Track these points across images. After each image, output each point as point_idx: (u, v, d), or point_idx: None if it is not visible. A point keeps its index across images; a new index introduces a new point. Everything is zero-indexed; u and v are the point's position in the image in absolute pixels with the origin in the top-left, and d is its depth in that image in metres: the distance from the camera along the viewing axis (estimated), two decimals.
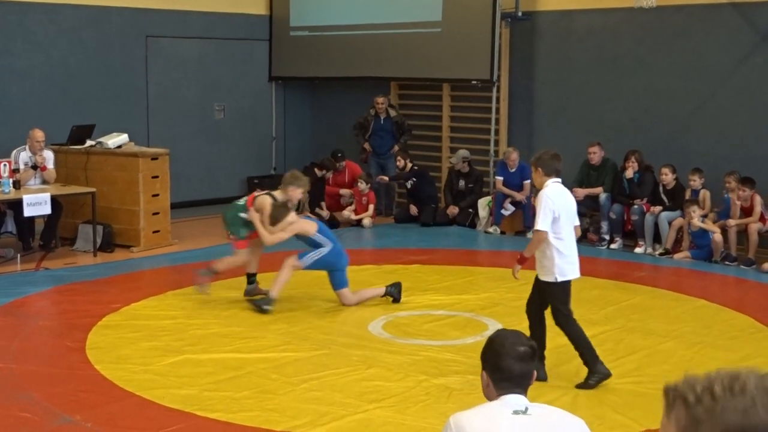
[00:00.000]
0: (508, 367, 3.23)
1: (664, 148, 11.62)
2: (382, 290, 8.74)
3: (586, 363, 6.45)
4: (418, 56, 13.77)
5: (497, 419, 3.11)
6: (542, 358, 6.58)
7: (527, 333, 6.24)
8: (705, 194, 10.89)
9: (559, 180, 6.43)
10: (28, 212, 10.18)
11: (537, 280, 6.56)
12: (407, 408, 6.04)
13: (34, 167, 10.80)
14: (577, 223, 6.57)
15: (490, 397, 3.27)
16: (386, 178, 13.48)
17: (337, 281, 8.52)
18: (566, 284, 6.42)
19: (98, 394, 6.27)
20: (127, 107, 13.56)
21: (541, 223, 6.23)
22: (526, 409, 3.14)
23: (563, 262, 6.34)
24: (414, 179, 13.09)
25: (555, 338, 7.42)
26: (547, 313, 6.61)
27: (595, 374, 6.40)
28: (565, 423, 3.15)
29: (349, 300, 8.57)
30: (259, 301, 8.40)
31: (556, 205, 6.26)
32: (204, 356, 7.05)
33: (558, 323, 6.53)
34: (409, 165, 13.20)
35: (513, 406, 3.14)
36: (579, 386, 6.42)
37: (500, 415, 3.13)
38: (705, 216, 10.67)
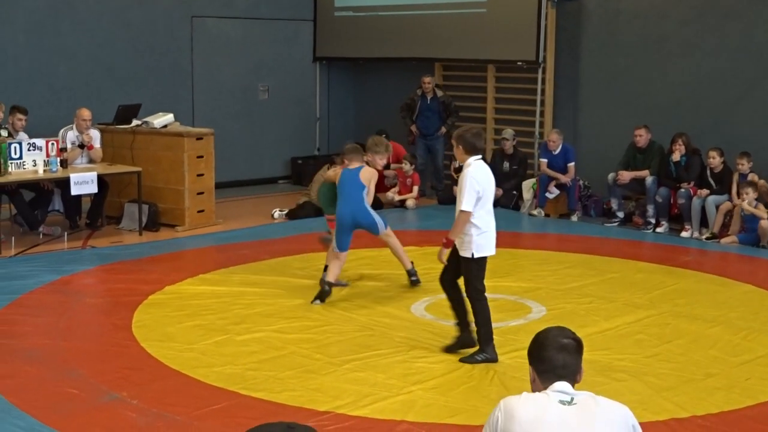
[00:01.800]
0: (550, 357, 3.25)
1: (712, 131, 11.46)
2: (409, 266, 8.60)
3: (479, 341, 6.57)
4: (463, 37, 13.69)
5: (546, 407, 3.14)
6: (466, 324, 6.67)
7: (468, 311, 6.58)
8: (753, 178, 10.72)
9: (480, 157, 6.48)
10: (75, 191, 10.28)
11: (455, 254, 6.54)
12: (450, 390, 6.03)
13: (81, 146, 10.91)
14: (497, 192, 6.52)
15: (536, 392, 3.28)
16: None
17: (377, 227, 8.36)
18: (482, 260, 6.48)
19: (144, 372, 6.33)
20: (172, 87, 13.64)
21: (466, 203, 6.31)
22: (572, 399, 3.16)
23: (481, 238, 6.39)
24: None
25: (599, 322, 7.38)
26: None
27: (484, 353, 6.52)
28: (611, 411, 3.16)
29: (392, 243, 8.55)
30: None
31: (480, 184, 6.34)
32: (248, 335, 7.09)
33: (468, 296, 6.59)
34: None
35: (559, 395, 3.17)
36: (462, 359, 6.53)
37: (549, 402, 3.16)
38: (757, 200, 10.49)
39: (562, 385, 3.20)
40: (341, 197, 8.16)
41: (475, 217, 6.37)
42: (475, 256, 6.43)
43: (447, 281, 6.75)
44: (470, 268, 6.49)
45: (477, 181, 6.34)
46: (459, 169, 8.55)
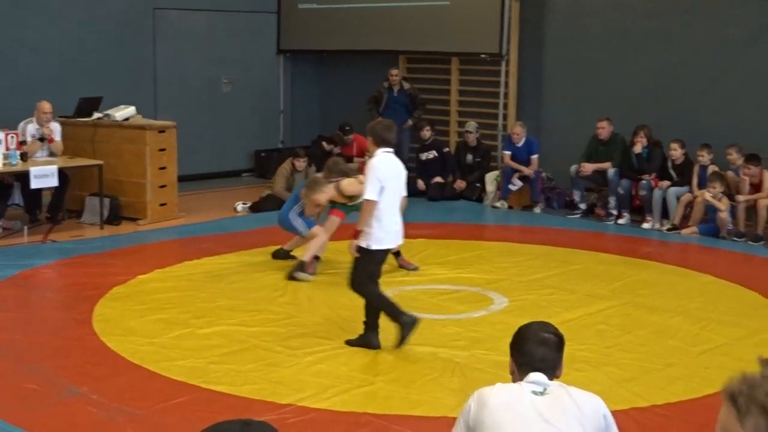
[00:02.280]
0: (530, 351, 3.30)
1: (673, 124, 11.55)
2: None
3: (365, 324, 6.59)
4: (427, 29, 13.69)
5: (519, 396, 3.18)
6: (376, 326, 6.64)
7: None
8: (713, 169, 10.82)
9: (390, 150, 6.47)
10: (35, 184, 10.18)
11: None
12: (412, 381, 6.04)
13: (42, 139, 10.79)
14: (404, 194, 6.65)
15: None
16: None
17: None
18: (378, 253, 6.47)
19: (105, 366, 6.29)
20: (134, 80, 13.52)
21: (369, 192, 6.31)
22: (545, 389, 3.20)
23: (380, 230, 6.38)
24: (435, 153, 13.06)
25: (561, 313, 7.44)
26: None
27: (365, 339, 6.56)
28: (582, 401, 3.20)
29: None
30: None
31: (383, 175, 6.33)
32: (210, 329, 7.06)
33: (351, 286, 6.58)
34: (432, 138, 13.15)
35: (533, 386, 3.22)
36: (348, 342, 6.61)
37: (521, 392, 3.20)
38: (723, 192, 10.57)
39: (536, 376, 3.24)
40: None
41: (378, 209, 6.34)
42: (372, 248, 6.41)
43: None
44: (363, 258, 6.45)
45: (379, 170, 6.34)
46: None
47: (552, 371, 3.29)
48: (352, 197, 8.19)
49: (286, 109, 15.59)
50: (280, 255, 9.15)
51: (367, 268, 6.52)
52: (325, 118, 15.35)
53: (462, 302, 7.92)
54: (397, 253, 8.78)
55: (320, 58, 15.71)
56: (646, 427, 5.37)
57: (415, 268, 8.92)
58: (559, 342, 3.36)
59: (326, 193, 8.25)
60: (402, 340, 6.55)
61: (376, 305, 6.59)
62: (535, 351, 3.28)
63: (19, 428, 5.22)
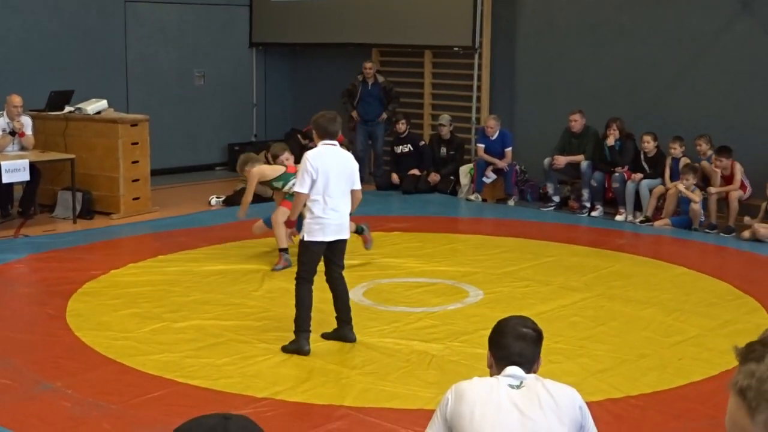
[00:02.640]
0: (508, 345, 3.31)
1: (646, 116, 11.62)
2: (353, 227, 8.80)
3: (295, 327, 6.43)
4: (400, 22, 13.68)
5: (496, 389, 3.20)
6: (348, 320, 6.63)
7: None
8: (685, 161, 10.89)
9: (333, 143, 6.43)
10: (6, 179, 10.09)
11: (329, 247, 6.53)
12: (388, 374, 6.05)
13: (12, 133, 10.70)
14: (357, 187, 6.49)
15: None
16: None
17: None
18: (311, 244, 6.37)
19: (79, 361, 6.25)
20: (105, 73, 13.42)
21: (299, 185, 6.30)
22: (521, 383, 3.22)
23: (313, 222, 6.32)
24: (411, 146, 13.06)
25: (536, 305, 7.47)
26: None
27: (293, 343, 6.40)
28: (558, 393, 3.22)
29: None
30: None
31: (315, 167, 6.24)
32: (184, 323, 7.04)
33: (297, 278, 6.49)
34: (407, 131, 13.15)
35: (509, 379, 3.23)
36: (282, 348, 6.43)
37: (498, 386, 3.22)
38: (696, 185, 10.63)
39: (513, 370, 3.25)
40: None
41: (311, 201, 6.30)
42: (305, 239, 6.37)
43: (326, 275, 6.66)
44: (300, 250, 6.46)
45: (310, 164, 6.25)
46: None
47: (529, 365, 3.31)
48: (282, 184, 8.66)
49: (260, 102, 15.53)
50: None
51: (301, 260, 6.45)
52: (299, 111, 15.30)
53: (437, 295, 7.93)
54: (361, 230, 8.88)
55: (293, 51, 15.67)
56: (620, 418, 5.41)
57: (368, 248, 8.99)
58: (537, 337, 3.37)
59: (255, 168, 8.78)
60: (287, 349, 6.41)
61: (297, 304, 6.46)
62: (513, 345, 3.30)
63: None
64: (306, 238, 6.37)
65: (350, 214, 6.60)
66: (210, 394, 5.65)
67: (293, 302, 7.54)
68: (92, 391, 5.70)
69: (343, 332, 6.65)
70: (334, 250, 6.51)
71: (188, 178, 14.00)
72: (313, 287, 6.52)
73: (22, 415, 5.33)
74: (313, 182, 6.27)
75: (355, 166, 6.56)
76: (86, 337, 6.69)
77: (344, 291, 6.70)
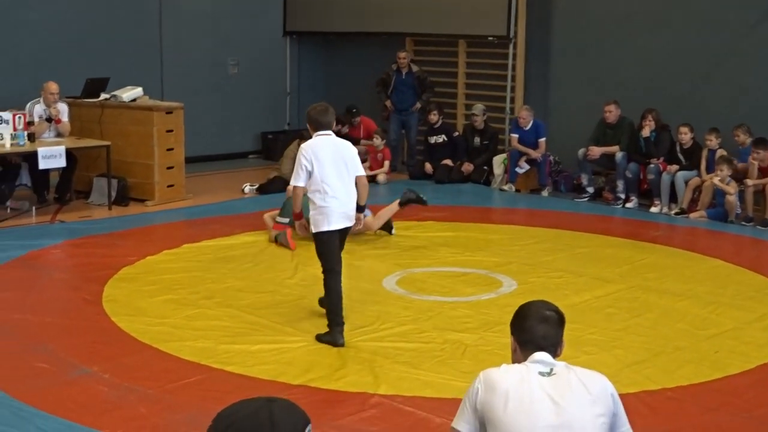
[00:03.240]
0: (531, 328, 3.29)
1: (682, 107, 11.52)
2: (396, 205, 9.44)
3: (329, 320, 6.44)
4: (434, 11, 13.64)
5: (527, 377, 3.17)
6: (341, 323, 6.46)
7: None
8: (721, 153, 10.79)
9: (328, 133, 6.45)
10: (43, 165, 10.18)
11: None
12: (422, 363, 6.04)
13: (49, 120, 10.79)
14: (359, 173, 6.50)
15: (517, 362, 3.31)
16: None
17: None
18: (321, 235, 6.39)
19: (115, 346, 6.30)
20: (141, 61, 13.49)
21: (294, 179, 6.36)
22: (551, 370, 3.19)
23: (316, 213, 6.36)
24: (444, 137, 13.03)
25: (570, 296, 7.44)
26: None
27: (327, 334, 6.39)
28: (590, 381, 3.19)
29: (374, 226, 9.33)
30: None
31: (309, 159, 6.28)
32: (219, 310, 7.07)
33: (326, 272, 6.50)
34: (441, 121, 13.12)
35: (539, 366, 3.21)
36: (317, 337, 6.43)
37: (528, 374, 3.19)
38: (732, 177, 10.53)
39: (541, 356, 3.23)
40: None
41: (312, 193, 6.35)
42: (314, 231, 6.41)
43: None
44: (316, 245, 6.50)
45: (304, 157, 6.29)
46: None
47: (554, 348, 3.29)
48: None
49: (293, 90, 15.56)
50: None
51: (320, 253, 6.49)
52: (332, 100, 15.10)
53: (471, 285, 7.92)
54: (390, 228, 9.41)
55: (327, 40, 15.67)
56: (656, 410, 5.37)
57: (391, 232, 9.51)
58: (559, 319, 3.35)
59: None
60: (321, 339, 6.42)
61: (328, 298, 6.50)
62: (537, 328, 3.28)
63: (31, 406, 5.24)
64: (314, 230, 6.42)
65: (361, 203, 6.60)
66: (244, 380, 5.68)
67: None
68: (128, 375, 5.74)
69: (334, 339, 6.44)
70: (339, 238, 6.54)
71: (222, 165, 14.06)
72: (341, 277, 6.52)
73: (59, 399, 5.37)
74: (310, 174, 6.30)
75: (354, 152, 6.55)
76: (122, 322, 6.74)
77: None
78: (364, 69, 14.58)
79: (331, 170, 6.35)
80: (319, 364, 5.97)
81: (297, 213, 6.54)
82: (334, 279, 6.48)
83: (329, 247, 6.45)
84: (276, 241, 9.10)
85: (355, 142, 13.17)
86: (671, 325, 6.92)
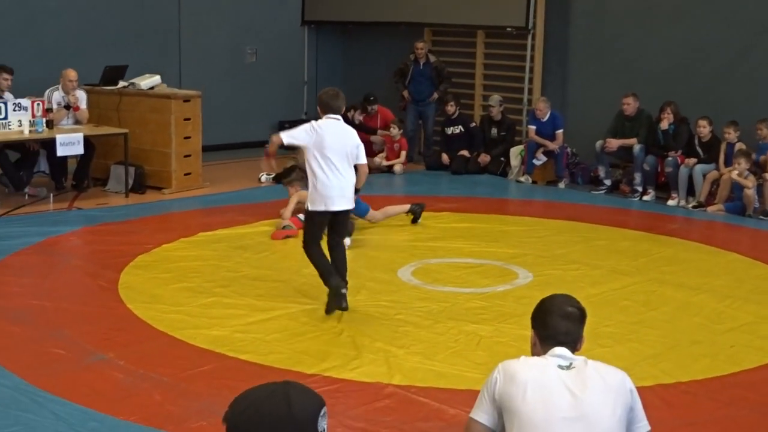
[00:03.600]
0: (554, 324, 3.29)
1: (700, 100, 11.45)
2: (406, 207, 9.57)
3: (327, 287, 6.76)
4: (453, 2, 13.61)
5: (546, 370, 3.17)
6: (340, 289, 6.71)
7: None
8: (740, 147, 10.73)
9: (337, 117, 6.70)
10: (61, 152, 10.22)
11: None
12: (436, 354, 6.04)
13: (67, 107, 10.82)
14: (361, 161, 6.75)
15: (536, 356, 3.31)
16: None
17: (359, 211, 8.97)
18: (315, 214, 6.71)
19: (130, 333, 6.33)
20: (159, 49, 13.52)
21: (286, 133, 6.78)
22: (570, 364, 3.20)
23: (315, 193, 6.63)
24: (461, 127, 12.99)
25: (586, 288, 7.42)
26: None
27: (330, 302, 6.69)
28: (608, 375, 3.19)
29: (377, 218, 9.41)
30: None
31: (314, 132, 6.56)
32: (234, 298, 7.09)
33: (303, 244, 6.85)
34: (458, 112, 13.08)
35: (558, 360, 3.21)
36: (326, 311, 6.70)
37: (547, 366, 3.19)
38: (750, 170, 10.48)
39: (561, 350, 3.23)
40: None
41: (312, 172, 6.60)
42: (309, 208, 6.72)
43: (327, 241, 6.94)
44: (305, 218, 6.89)
45: (311, 127, 6.60)
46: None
47: (574, 344, 3.29)
48: None
49: (310, 80, 15.56)
50: None
51: (308, 229, 6.83)
52: (350, 89, 15.17)
53: (486, 276, 7.91)
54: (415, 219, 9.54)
55: (345, 30, 15.65)
56: (671, 404, 5.35)
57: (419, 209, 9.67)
58: (581, 315, 3.36)
59: (301, 192, 9.01)
60: (329, 306, 6.71)
61: (314, 266, 6.83)
62: (560, 325, 3.28)
63: (46, 392, 5.26)
64: (310, 208, 6.70)
65: (358, 191, 6.87)
66: (259, 369, 5.69)
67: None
68: (144, 363, 5.77)
69: (338, 301, 6.72)
70: (336, 220, 6.80)
71: (239, 154, 14.08)
72: (319, 247, 6.84)
73: (75, 385, 5.40)
74: (309, 142, 6.57)
75: (358, 141, 6.75)
76: (138, 309, 6.76)
77: (343, 259, 6.93)
78: (381, 59, 14.56)
79: (333, 153, 6.59)
80: (334, 354, 5.98)
81: (271, 152, 6.91)
82: (315, 249, 6.81)
83: (318, 226, 6.79)
84: (282, 228, 9.08)
85: (372, 132, 13.27)
86: (687, 318, 6.90)
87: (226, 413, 2.32)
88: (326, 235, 6.94)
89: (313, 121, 6.69)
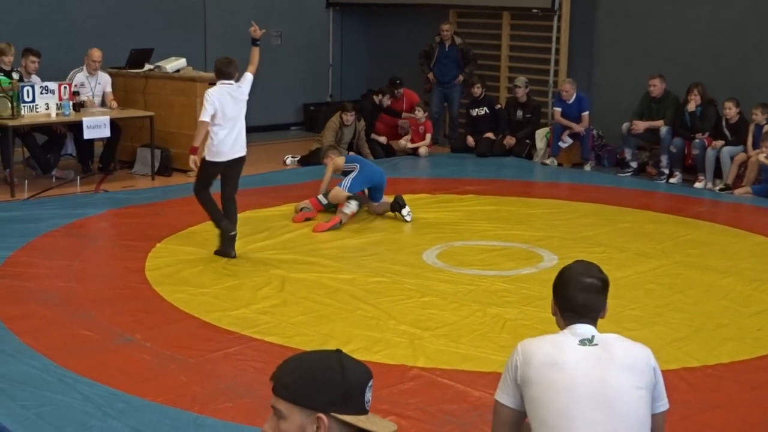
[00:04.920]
0: (573, 296, 3.23)
1: (728, 81, 11.35)
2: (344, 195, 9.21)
3: (217, 229, 7.75)
4: None
5: (565, 347, 3.13)
6: (230, 232, 7.67)
7: None
8: None
9: (230, 82, 7.74)
10: (87, 135, 10.28)
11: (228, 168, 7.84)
12: (461, 336, 6.05)
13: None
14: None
15: (558, 325, 3.29)
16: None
17: (374, 197, 9.27)
18: (210, 164, 7.71)
19: (157, 315, 6.38)
20: (185, 32, 13.54)
21: (203, 115, 7.58)
22: (593, 338, 3.15)
23: (211, 146, 7.67)
24: (487, 109, 12.94)
25: (611, 272, 7.37)
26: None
27: (223, 249, 7.67)
28: (632, 351, 3.15)
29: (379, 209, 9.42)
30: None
31: (216, 101, 7.56)
32: (260, 280, 7.12)
33: (194, 189, 7.83)
34: (483, 94, 13.01)
35: (579, 336, 3.16)
36: (215, 252, 7.71)
37: (567, 343, 3.15)
38: None
39: (582, 328, 3.18)
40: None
41: (213, 129, 7.56)
42: (207, 159, 7.68)
43: (221, 193, 7.83)
44: (201, 169, 7.75)
45: (213, 97, 7.56)
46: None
47: (596, 315, 3.23)
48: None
49: (335, 62, 15.54)
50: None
51: (202, 177, 7.74)
52: (374, 72, 15.28)
53: (511, 259, 7.90)
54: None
55: (370, 12, 15.62)
56: (696, 387, 5.34)
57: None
58: (603, 285, 3.26)
59: (337, 159, 9.58)
60: (220, 250, 7.68)
61: (204, 209, 7.75)
62: (578, 297, 3.20)
63: (74, 373, 5.32)
64: (207, 158, 7.68)
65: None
66: (285, 350, 5.69)
67: (367, 262, 7.63)
68: (170, 344, 5.81)
69: (224, 248, 7.66)
70: (231, 169, 7.78)
71: (264, 137, 14.08)
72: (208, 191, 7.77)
73: (103, 366, 5.45)
74: (215, 113, 7.51)
75: (246, 96, 7.88)
76: (164, 291, 6.81)
77: (234, 211, 7.84)
78: (406, 41, 14.52)
79: (229, 114, 7.63)
80: (359, 337, 6.00)
81: (194, 147, 7.71)
82: (206, 192, 7.75)
83: (211, 175, 7.77)
84: (300, 210, 9.10)
85: (398, 115, 13.25)
86: (714, 301, 6.86)
87: (274, 372, 2.34)
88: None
89: (209, 90, 7.65)
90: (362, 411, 2.33)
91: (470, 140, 12.94)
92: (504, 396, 3.20)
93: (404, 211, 9.02)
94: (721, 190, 10.75)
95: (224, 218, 7.68)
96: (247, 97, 7.86)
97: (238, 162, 7.84)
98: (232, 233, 7.67)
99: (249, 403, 4.97)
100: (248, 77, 7.98)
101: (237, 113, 7.72)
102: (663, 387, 3.20)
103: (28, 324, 6.12)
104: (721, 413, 5.09)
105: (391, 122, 13.30)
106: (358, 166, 9.24)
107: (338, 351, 2.38)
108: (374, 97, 12.94)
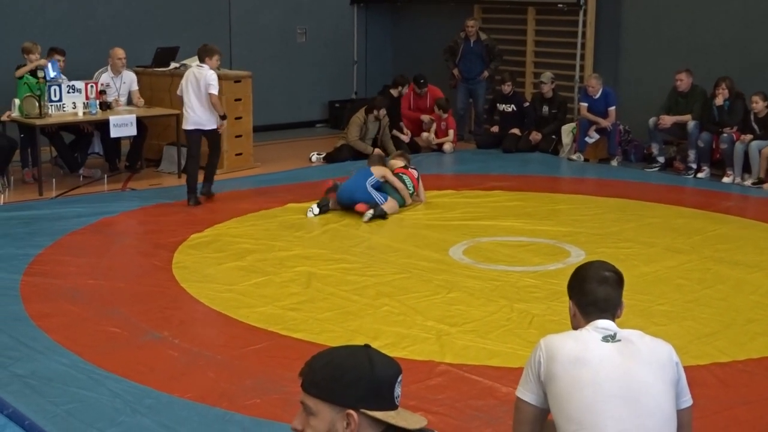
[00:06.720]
0: (592, 290, 3.21)
1: (756, 75, 11.25)
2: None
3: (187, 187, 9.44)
4: None
5: (589, 343, 3.11)
6: (194, 189, 9.41)
7: None
8: None
9: (202, 65, 9.41)
10: (114, 133, 10.33)
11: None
12: (488, 332, 6.03)
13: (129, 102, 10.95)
14: (212, 91, 9.33)
15: (577, 327, 3.26)
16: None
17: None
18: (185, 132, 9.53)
19: (185, 312, 6.40)
20: (209, 30, 13.56)
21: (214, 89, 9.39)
22: (615, 334, 3.13)
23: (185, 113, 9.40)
24: (514, 106, 12.88)
25: (639, 267, 7.34)
26: None
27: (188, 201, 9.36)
28: (655, 347, 3.13)
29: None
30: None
31: (182, 85, 9.48)
32: (287, 277, 7.13)
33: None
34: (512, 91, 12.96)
35: (602, 332, 3.14)
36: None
37: (591, 339, 3.12)
38: None
39: (604, 323, 3.17)
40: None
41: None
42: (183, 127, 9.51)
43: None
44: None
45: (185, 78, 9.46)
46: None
47: (614, 311, 3.22)
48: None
49: (360, 59, 15.55)
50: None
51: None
52: (399, 68, 15.23)
53: (538, 254, 7.86)
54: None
55: (394, 8, 15.60)
56: (726, 383, 5.29)
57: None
58: (618, 279, 3.27)
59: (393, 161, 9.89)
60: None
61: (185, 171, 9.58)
62: (598, 290, 3.20)
63: (103, 369, 5.35)
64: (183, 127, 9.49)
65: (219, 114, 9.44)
66: (312, 347, 5.69)
67: (393, 258, 7.62)
68: (198, 341, 5.83)
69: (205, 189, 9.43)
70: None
71: (289, 134, 14.13)
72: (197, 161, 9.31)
73: (131, 363, 5.47)
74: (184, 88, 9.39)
75: (210, 81, 9.32)
76: (192, 288, 6.83)
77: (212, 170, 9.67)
78: (431, 37, 14.49)
79: (192, 90, 9.32)
80: (386, 333, 5.99)
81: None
82: (191, 162, 9.39)
83: (188, 141, 9.49)
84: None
85: (423, 112, 13.21)
86: (743, 297, 6.80)
87: (303, 368, 2.33)
88: None
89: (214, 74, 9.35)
90: (392, 406, 2.32)
91: (495, 128, 12.89)
92: (526, 393, 3.18)
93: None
94: (753, 184, 10.65)
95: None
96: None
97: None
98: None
99: (277, 399, 4.98)
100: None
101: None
102: (686, 383, 3.18)
103: (57, 321, 6.16)
104: (751, 409, 5.03)
105: (415, 117, 13.27)
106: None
107: (367, 346, 2.37)
108: (391, 91, 12.88)
